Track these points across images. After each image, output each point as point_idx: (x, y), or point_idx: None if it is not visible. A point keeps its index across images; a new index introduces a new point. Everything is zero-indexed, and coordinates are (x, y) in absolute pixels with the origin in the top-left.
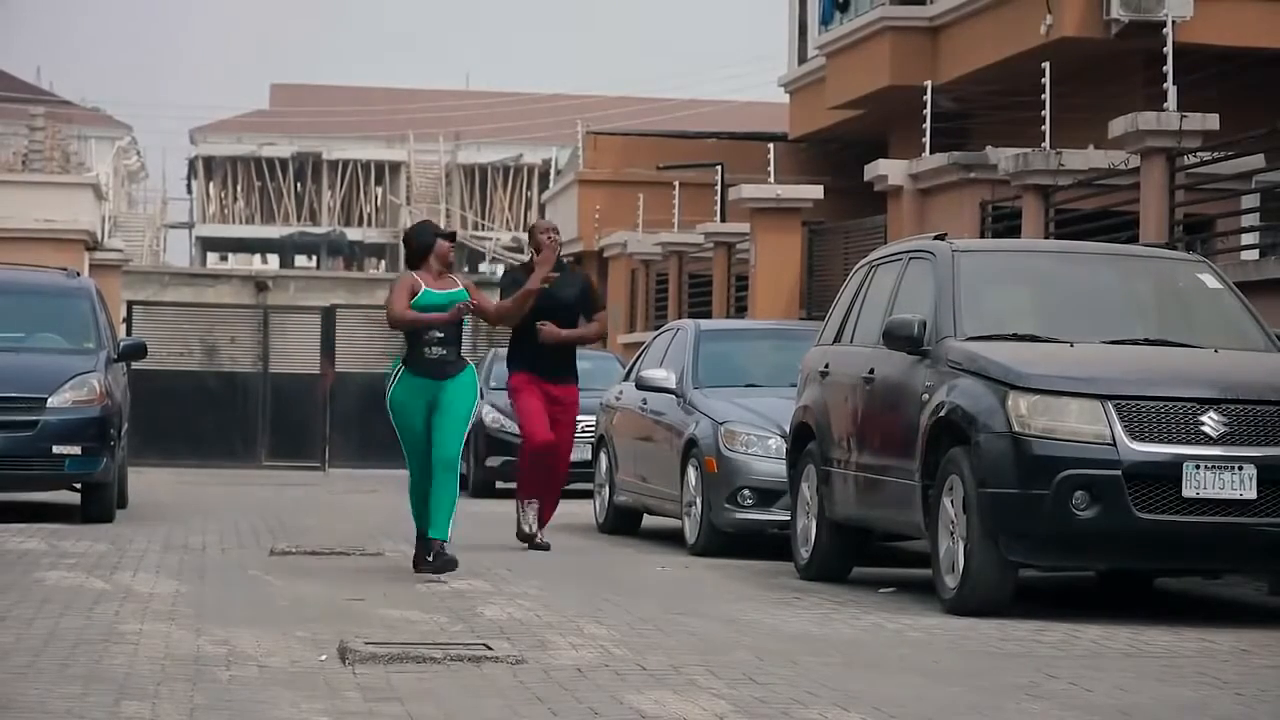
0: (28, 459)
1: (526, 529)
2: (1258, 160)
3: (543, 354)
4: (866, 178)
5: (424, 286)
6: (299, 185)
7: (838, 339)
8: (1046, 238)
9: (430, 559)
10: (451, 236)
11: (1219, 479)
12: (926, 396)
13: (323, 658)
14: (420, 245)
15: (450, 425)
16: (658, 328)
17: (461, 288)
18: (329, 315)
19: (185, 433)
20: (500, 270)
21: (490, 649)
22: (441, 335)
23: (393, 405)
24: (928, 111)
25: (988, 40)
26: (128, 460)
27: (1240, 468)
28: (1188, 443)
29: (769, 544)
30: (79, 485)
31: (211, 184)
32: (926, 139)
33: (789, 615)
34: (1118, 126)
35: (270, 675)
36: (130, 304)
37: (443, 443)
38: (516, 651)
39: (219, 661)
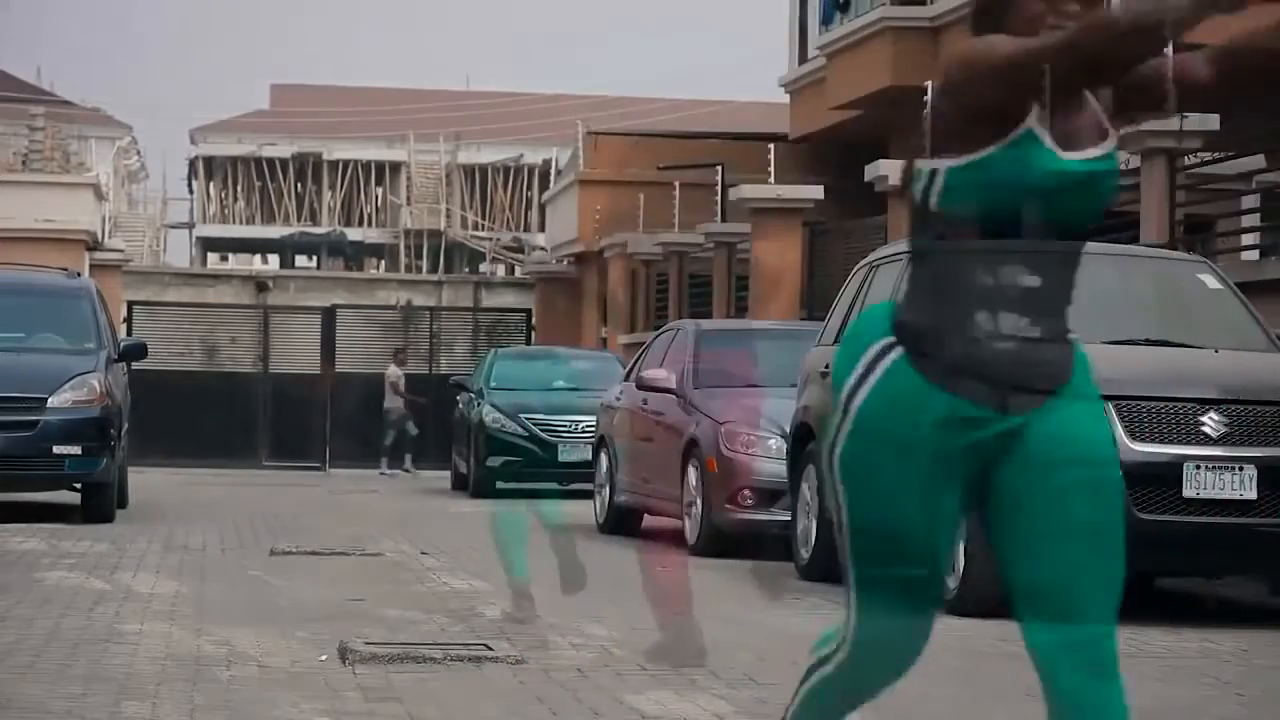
0: (28, 459)
1: None
2: (1258, 160)
3: None
4: (867, 178)
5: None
6: (299, 185)
7: (838, 339)
8: None
9: None
10: None
11: (1219, 479)
12: None
13: (323, 658)
14: None
15: (1081, 537)
16: (658, 328)
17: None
18: (329, 315)
19: (185, 433)
20: (499, 271)
21: (490, 649)
22: (1038, 282)
23: (850, 442)
24: (928, 112)
25: None
26: (128, 460)
27: (1241, 468)
28: (1188, 443)
29: (769, 544)
30: (79, 485)
31: (212, 184)
32: (927, 139)
33: (789, 615)
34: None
35: (270, 675)
36: (130, 304)
37: (1083, 591)
38: (516, 652)
39: (219, 661)
